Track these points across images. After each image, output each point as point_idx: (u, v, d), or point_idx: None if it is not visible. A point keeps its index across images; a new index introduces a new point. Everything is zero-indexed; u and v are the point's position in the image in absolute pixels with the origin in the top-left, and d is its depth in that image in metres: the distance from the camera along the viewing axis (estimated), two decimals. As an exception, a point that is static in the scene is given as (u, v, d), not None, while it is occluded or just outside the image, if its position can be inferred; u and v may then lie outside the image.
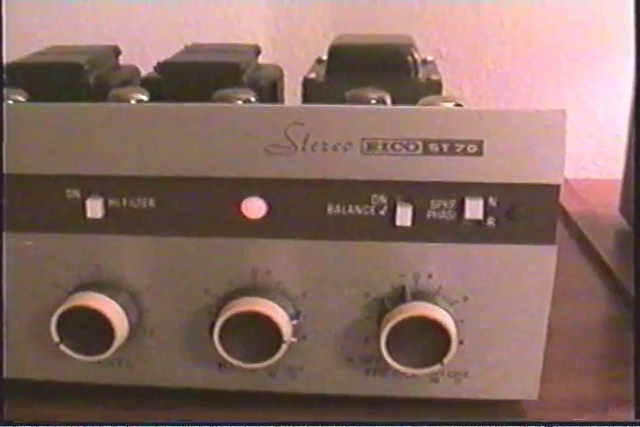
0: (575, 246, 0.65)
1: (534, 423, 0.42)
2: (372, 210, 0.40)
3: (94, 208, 0.41)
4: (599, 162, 0.89)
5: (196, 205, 0.40)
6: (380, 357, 0.40)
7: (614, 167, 0.70)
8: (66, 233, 0.41)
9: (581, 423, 0.41)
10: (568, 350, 0.49)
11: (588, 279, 0.60)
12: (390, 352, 0.40)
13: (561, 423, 0.41)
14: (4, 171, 0.40)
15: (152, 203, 0.40)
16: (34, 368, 0.44)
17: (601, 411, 0.43)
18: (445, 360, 0.40)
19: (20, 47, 0.55)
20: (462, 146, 0.38)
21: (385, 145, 0.39)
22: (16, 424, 0.41)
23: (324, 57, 0.55)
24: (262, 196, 0.40)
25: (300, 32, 0.86)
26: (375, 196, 0.40)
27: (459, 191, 0.39)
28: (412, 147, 0.39)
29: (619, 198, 0.67)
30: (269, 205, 0.40)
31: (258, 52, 0.59)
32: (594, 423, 0.41)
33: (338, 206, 0.40)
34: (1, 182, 0.40)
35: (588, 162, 0.89)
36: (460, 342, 0.41)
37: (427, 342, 0.40)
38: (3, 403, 0.41)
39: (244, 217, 0.40)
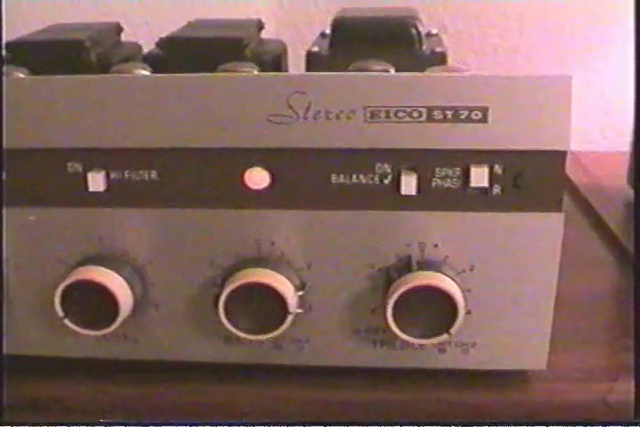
0: (584, 218, 0.65)
1: (536, 423, 0.42)
2: (377, 179, 0.40)
3: (96, 181, 0.40)
4: (608, 135, 0.88)
5: (199, 177, 0.40)
6: (387, 327, 0.40)
7: (624, 140, 0.69)
8: (68, 207, 0.41)
9: (582, 423, 0.41)
10: (576, 320, 0.48)
11: (596, 250, 0.60)
12: (397, 322, 0.40)
13: (562, 423, 0.41)
14: (5, 145, 0.40)
15: (154, 175, 0.40)
16: (38, 344, 0.44)
17: (609, 381, 0.43)
18: (452, 330, 0.40)
19: (22, 25, 0.55)
20: (467, 113, 0.38)
21: (388, 113, 0.38)
22: (16, 424, 0.41)
23: (328, 31, 0.54)
24: (265, 166, 0.40)
25: (304, 8, 0.85)
26: (379, 164, 0.39)
27: (464, 159, 0.39)
28: (415, 114, 0.38)
29: (626, 170, 0.67)
30: (273, 175, 0.40)
31: (261, 27, 0.59)
32: (594, 423, 0.41)
33: (342, 176, 0.40)
34: (1, 157, 0.40)
35: (598, 135, 0.88)
36: (468, 312, 0.40)
37: (433, 311, 0.40)
38: (2, 404, 0.41)
39: (248, 188, 0.40)
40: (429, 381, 0.43)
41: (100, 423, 0.42)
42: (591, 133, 0.88)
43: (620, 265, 0.58)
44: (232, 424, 0.42)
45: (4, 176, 0.41)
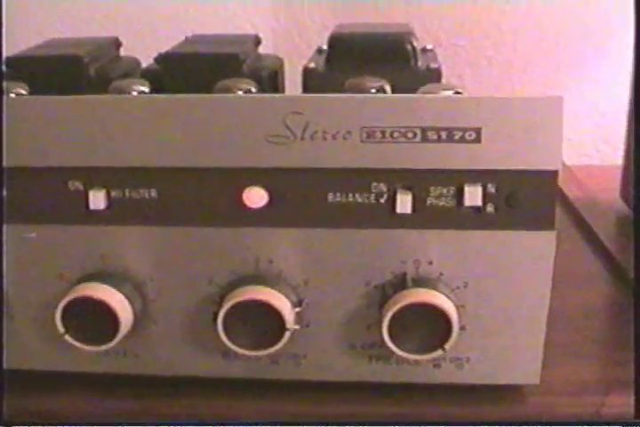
0: (576, 232, 0.66)
1: (535, 423, 0.43)
2: (373, 198, 0.40)
3: (97, 200, 0.41)
4: (602, 149, 0.89)
5: (198, 196, 0.41)
6: (383, 343, 0.41)
7: (617, 154, 0.70)
8: (69, 225, 0.41)
9: (582, 423, 0.42)
10: (570, 334, 0.49)
11: (589, 264, 0.61)
12: (392, 338, 0.40)
13: (562, 423, 0.42)
14: (5, 164, 0.40)
15: (154, 193, 0.41)
16: (39, 359, 0.44)
17: (602, 395, 0.44)
18: (447, 346, 0.40)
19: (20, 40, 0.55)
20: (460, 133, 0.39)
21: (384, 133, 0.39)
22: (16, 424, 0.41)
23: (325, 47, 0.55)
24: (263, 185, 0.40)
25: (300, 22, 0.86)
26: (375, 184, 0.40)
27: (458, 178, 0.40)
28: (410, 135, 0.39)
29: (619, 183, 0.67)
30: (270, 194, 0.40)
31: (258, 42, 0.59)
32: (594, 423, 0.42)
33: (338, 195, 0.40)
34: (1, 175, 0.41)
35: (591, 149, 0.89)
36: (462, 328, 0.41)
37: (428, 328, 0.40)
38: (2, 403, 0.41)
39: (246, 206, 0.41)
40: (424, 395, 0.44)
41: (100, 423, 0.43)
42: (585, 147, 0.89)
43: (612, 279, 0.58)
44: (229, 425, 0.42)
45: (4, 193, 0.41)
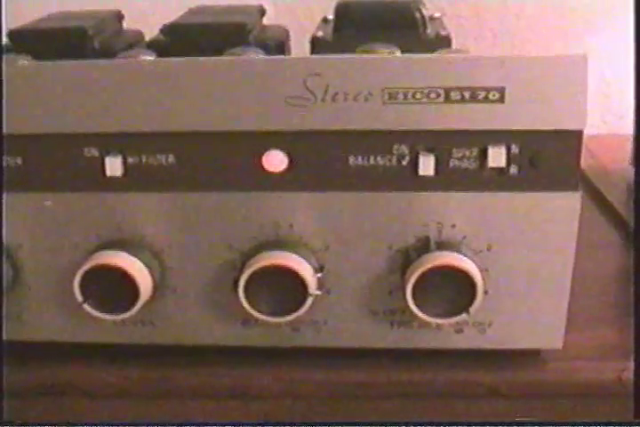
0: (589, 200, 0.65)
1: (536, 423, 0.42)
2: (395, 160, 0.40)
3: (113, 166, 0.40)
4: (607, 119, 0.89)
5: (217, 160, 0.40)
6: (405, 308, 0.40)
7: (623, 124, 0.70)
8: (85, 192, 0.41)
9: (582, 423, 0.41)
10: (588, 300, 0.49)
11: (603, 231, 0.61)
12: (416, 303, 0.40)
13: (562, 423, 0.42)
14: (19, 131, 0.40)
15: (172, 159, 0.40)
16: (55, 330, 0.44)
17: (623, 360, 0.43)
18: (472, 309, 0.40)
19: (24, 13, 0.55)
20: (484, 93, 0.38)
21: (406, 94, 0.38)
22: (16, 424, 0.41)
23: (330, 16, 0.54)
24: (283, 148, 0.40)
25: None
26: (397, 146, 0.39)
27: (481, 139, 0.39)
28: (433, 95, 0.38)
29: (629, 151, 0.67)
30: (290, 157, 0.40)
31: (262, 12, 0.59)
32: (594, 423, 0.42)
33: (360, 157, 0.40)
34: (0, 144, 0.40)
35: (597, 120, 0.89)
36: (485, 292, 0.41)
37: (452, 291, 0.40)
38: (2, 403, 0.41)
39: (266, 171, 0.40)
40: (446, 361, 0.43)
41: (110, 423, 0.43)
42: (591, 117, 0.88)
43: (626, 244, 0.58)
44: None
45: (5, 163, 0.41)
